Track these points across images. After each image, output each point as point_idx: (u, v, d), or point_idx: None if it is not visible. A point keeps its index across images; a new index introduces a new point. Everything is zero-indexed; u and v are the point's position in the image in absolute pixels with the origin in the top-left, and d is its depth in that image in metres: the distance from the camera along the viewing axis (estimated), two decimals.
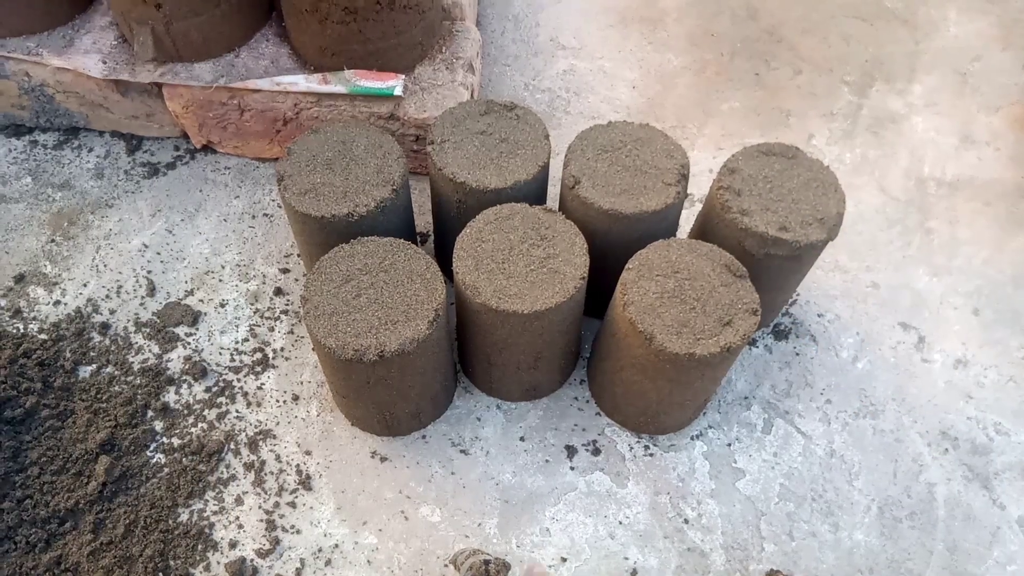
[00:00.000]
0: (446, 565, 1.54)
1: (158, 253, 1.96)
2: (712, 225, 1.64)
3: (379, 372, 1.42)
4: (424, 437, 1.72)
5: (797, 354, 1.88)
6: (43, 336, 1.78)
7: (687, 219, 1.86)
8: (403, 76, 1.92)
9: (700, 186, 2.08)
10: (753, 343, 1.89)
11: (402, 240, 1.51)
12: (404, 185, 1.63)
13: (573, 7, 2.59)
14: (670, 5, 2.62)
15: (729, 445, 1.74)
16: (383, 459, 1.69)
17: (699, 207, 2.00)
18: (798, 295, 1.97)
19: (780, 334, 1.91)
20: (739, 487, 1.68)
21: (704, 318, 1.41)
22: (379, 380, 1.46)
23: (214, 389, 1.75)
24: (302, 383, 1.78)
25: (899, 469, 1.72)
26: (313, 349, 1.80)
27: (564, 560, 1.58)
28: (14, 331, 1.78)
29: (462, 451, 1.71)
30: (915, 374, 1.85)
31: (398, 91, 1.89)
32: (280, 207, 2.04)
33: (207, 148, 2.13)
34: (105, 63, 1.92)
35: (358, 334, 1.37)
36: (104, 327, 1.82)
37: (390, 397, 1.56)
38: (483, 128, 1.64)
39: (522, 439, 1.73)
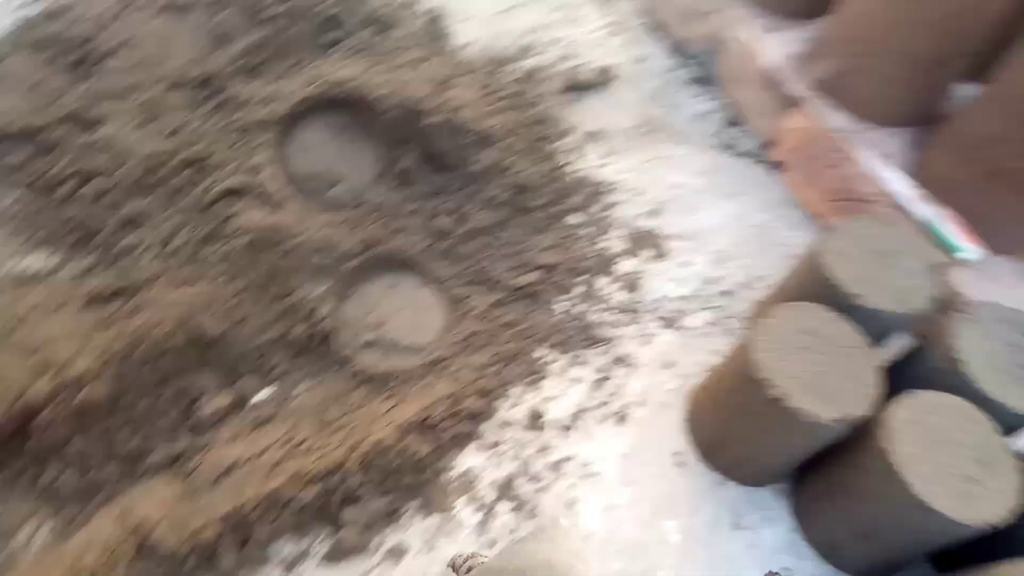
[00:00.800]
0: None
1: None
2: None
3: (768, 412, 1.53)
4: (721, 483, 1.80)
5: None
6: None
7: None
8: (991, 252, 1.90)
9: None
10: None
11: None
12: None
13: None
14: None
15: None
16: (680, 464, 1.81)
17: None
18: None
19: None
20: None
21: None
22: (761, 416, 1.57)
23: (637, 304, 2.04)
24: (683, 361, 1.98)
25: None
26: (728, 354, 1.97)
27: None
28: None
29: (734, 524, 1.75)
30: None
31: (966, 256, 1.89)
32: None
33: None
34: None
35: (790, 376, 1.49)
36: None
37: (748, 434, 1.66)
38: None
39: (787, 569, 1.71)
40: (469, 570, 1.44)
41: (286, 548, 1.64)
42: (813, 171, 2.19)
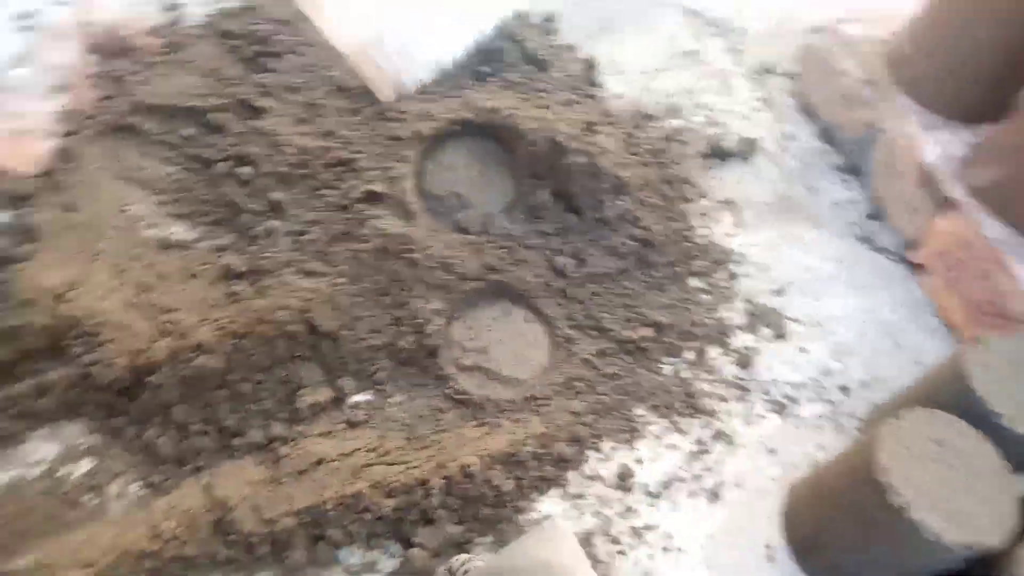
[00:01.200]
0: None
1: None
2: None
3: (883, 521, 1.41)
4: None
5: None
6: None
7: None
8: None
9: None
10: None
11: None
12: None
13: None
14: None
15: None
16: (770, 558, 1.70)
17: None
18: None
19: None
20: None
21: None
22: (874, 524, 1.45)
23: (747, 382, 1.96)
24: (788, 449, 1.87)
25: None
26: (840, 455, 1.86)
27: None
28: None
29: None
30: None
31: None
32: None
33: None
34: None
35: (915, 486, 1.38)
36: None
37: (854, 542, 1.54)
38: None
39: None
40: (466, 573, 1.41)
41: (354, 556, 1.62)
42: (959, 279, 2.06)
